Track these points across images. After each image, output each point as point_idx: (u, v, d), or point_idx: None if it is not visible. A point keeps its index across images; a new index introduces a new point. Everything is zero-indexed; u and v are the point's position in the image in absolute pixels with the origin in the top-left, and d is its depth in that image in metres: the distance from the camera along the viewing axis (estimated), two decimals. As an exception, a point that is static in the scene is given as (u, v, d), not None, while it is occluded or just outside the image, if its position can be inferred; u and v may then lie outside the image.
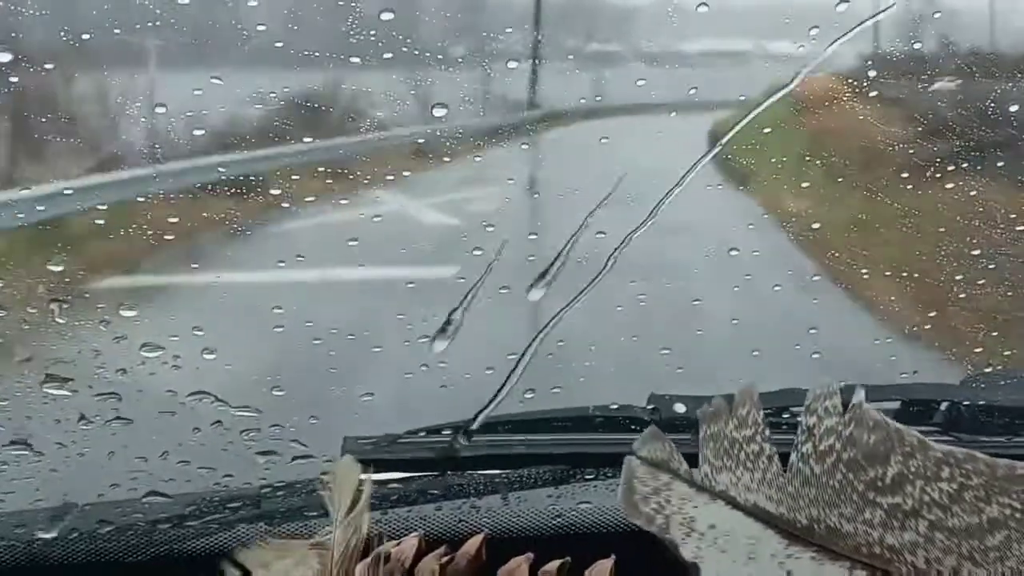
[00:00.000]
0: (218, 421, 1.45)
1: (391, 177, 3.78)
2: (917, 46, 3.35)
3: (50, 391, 1.45)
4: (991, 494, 0.52)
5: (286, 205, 2.91)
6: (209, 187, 2.97)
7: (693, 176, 1.48)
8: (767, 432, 0.62)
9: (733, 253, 2.46)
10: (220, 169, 3.08)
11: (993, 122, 2.80)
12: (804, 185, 3.29)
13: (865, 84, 3.13)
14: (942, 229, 2.79)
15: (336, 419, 1.67)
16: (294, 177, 2.83)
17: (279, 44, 2.76)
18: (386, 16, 2.17)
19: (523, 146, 4.16)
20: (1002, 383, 1.76)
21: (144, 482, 1.28)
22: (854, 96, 3.21)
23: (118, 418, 1.44)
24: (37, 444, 1.37)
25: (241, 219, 2.98)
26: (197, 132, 2.58)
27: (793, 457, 0.59)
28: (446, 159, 3.83)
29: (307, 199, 3.06)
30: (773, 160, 2.92)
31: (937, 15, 3.07)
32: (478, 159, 3.56)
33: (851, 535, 0.55)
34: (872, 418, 0.56)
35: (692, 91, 2.80)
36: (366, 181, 3.43)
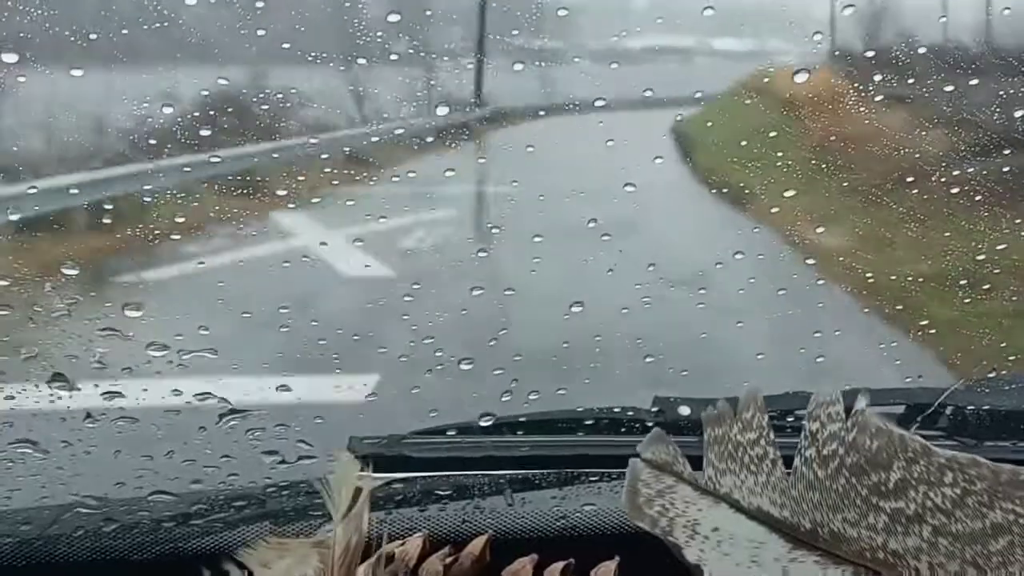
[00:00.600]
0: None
1: (306, 199, 3.24)
2: (920, 48, 3.35)
3: (56, 389, 1.45)
4: (994, 499, 0.52)
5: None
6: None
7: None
8: (771, 436, 0.62)
9: (738, 257, 2.45)
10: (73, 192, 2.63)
11: (997, 124, 2.80)
12: (806, 189, 3.28)
13: (867, 84, 3.12)
14: (947, 233, 2.79)
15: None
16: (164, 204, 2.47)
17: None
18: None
19: (471, 151, 3.83)
20: (1006, 388, 1.75)
21: (149, 480, 1.28)
22: (856, 96, 3.20)
23: (124, 417, 1.44)
24: (43, 442, 1.38)
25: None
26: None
27: (797, 462, 0.59)
28: (382, 170, 3.24)
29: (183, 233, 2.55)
30: (778, 164, 2.92)
31: (943, 20, 3.07)
32: (411, 174, 3.03)
33: (854, 540, 0.55)
34: (875, 424, 0.57)
35: (698, 87, 2.76)
36: (268, 206, 2.95)
